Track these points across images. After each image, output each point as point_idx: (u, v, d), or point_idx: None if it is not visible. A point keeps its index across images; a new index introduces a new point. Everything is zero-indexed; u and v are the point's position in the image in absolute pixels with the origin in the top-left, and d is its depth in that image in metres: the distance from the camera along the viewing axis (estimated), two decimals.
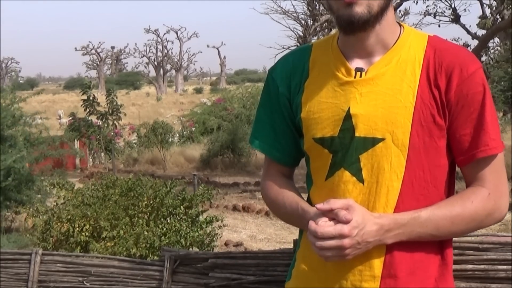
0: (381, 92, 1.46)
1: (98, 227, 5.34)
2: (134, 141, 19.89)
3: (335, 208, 1.37)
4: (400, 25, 1.55)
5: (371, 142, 1.45)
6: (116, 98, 16.64)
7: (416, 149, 1.44)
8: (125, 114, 17.30)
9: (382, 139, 1.44)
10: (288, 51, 1.80)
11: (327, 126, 1.50)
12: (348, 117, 1.47)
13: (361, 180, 1.46)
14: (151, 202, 5.54)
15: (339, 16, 1.44)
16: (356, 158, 1.46)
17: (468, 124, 1.45)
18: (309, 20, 20.32)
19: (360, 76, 1.49)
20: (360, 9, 1.41)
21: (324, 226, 1.37)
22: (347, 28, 1.45)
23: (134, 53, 74.01)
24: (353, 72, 1.50)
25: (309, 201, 1.59)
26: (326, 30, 17.87)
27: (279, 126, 1.61)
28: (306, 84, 1.56)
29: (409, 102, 1.44)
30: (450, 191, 1.52)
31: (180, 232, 5.35)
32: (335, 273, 1.48)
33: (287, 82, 1.59)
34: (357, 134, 1.46)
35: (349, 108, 1.47)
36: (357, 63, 1.50)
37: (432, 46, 1.49)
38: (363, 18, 1.42)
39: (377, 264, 1.45)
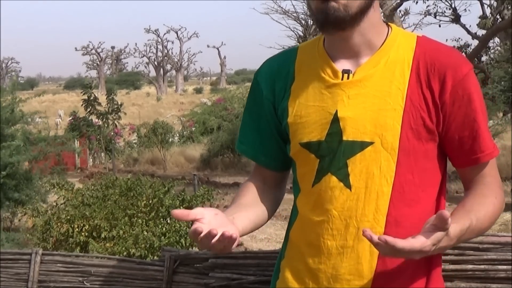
0: (370, 95, 1.42)
1: (97, 227, 5.34)
2: (134, 141, 19.92)
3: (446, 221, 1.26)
4: (388, 25, 1.51)
5: (360, 146, 1.41)
6: (115, 96, 16.62)
7: (406, 152, 1.41)
8: (125, 114, 17.31)
9: (371, 143, 1.41)
10: None
11: (314, 130, 1.45)
12: (335, 120, 1.43)
13: (348, 185, 1.41)
14: (150, 202, 5.54)
15: (316, 12, 1.41)
16: (343, 163, 1.42)
17: (466, 126, 1.43)
18: (309, 20, 20.32)
19: (348, 78, 1.45)
20: (336, 5, 1.38)
21: (412, 241, 1.26)
22: (323, 23, 1.41)
23: (134, 53, 73.88)
24: (340, 74, 1.45)
25: (295, 209, 1.54)
26: None
27: (264, 130, 1.57)
28: (293, 88, 1.51)
29: (398, 105, 1.41)
30: (439, 195, 1.48)
31: (180, 232, 5.35)
32: (323, 284, 1.44)
33: (271, 85, 1.54)
34: (344, 138, 1.42)
35: (336, 111, 1.43)
36: (343, 64, 1.46)
37: (422, 47, 1.45)
38: (338, 13, 1.38)
39: (367, 273, 1.41)
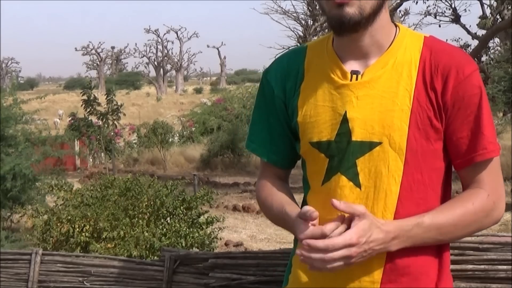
0: (378, 95, 1.45)
1: (98, 227, 5.34)
2: (134, 141, 19.92)
3: (349, 212, 1.34)
4: (396, 26, 1.53)
5: (368, 146, 1.43)
6: (115, 96, 16.59)
7: (414, 152, 1.43)
8: (124, 114, 17.27)
9: (379, 143, 1.43)
10: None
11: (324, 130, 1.48)
12: (344, 121, 1.45)
13: (358, 185, 1.44)
14: (151, 203, 5.54)
15: (331, 16, 1.42)
16: (352, 163, 1.44)
17: (464, 127, 1.44)
18: (309, 20, 20.36)
19: (356, 79, 1.47)
20: (351, 10, 1.39)
21: (333, 238, 1.33)
22: (337, 28, 1.43)
23: (134, 53, 74.01)
24: (349, 75, 1.47)
25: (305, 205, 1.55)
26: (326, 30, 17.88)
27: (274, 129, 1.60)
28: (302, 87, 1.54)
29: (405, 105, 1.43)
30: (447, 194, 1.50)
31: (180, 233, 5.35)
32: (334, 280, 1.46)
33: (282, 84, 1.57)
34: (353, 138, 1.44)
35: (345, 112, 1.45)
36: (352, 65, 1.48)
37: (428, 48, 1.47)
38: (354, 19, 1.40)
39: (377, 270, 1.44)
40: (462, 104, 1.43)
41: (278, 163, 1.63)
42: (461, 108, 1.43)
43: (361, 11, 1.40)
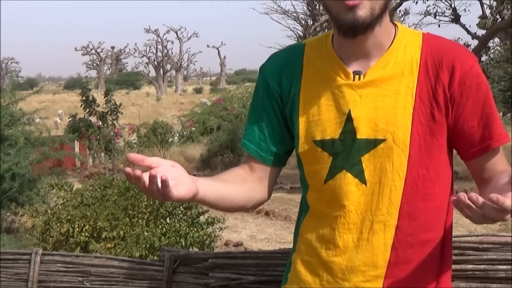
0: (381, 94, 1.46)
1: (97, 227, 5.34)
2: (134, 141, 19.92)
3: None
4: (395, 25, 1.54)
5: (373, 143, 1.45)
6: (113, 96, 16.57)
7: (417, 148, 1.44)
8: (121, 113, 17.26)
9: (384, 140, 1.45)
10: None
11: (328, 128, 1.49)
12: (349, 119, 1.47)
13: (363, 181, 1.46)
14: (151, 202, 5.54)
15: (341, 20, 1.41)
16: (358, 160, 1.46)
17: (475, 116, 1.46)
18: (309, 20, 20.38)
19: (359, 79, 1.48)
20: (363, 12, 1.39)
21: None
22: (349, 32, 1.42)
23: (134, 53, 74.00)
24: (351, 75, 1.48)
25: (305, 204, 1.58)
26: (326, 30, 17.88)
27: (267, 126, 1.59)
28: (302, 85, 1.54)
29: (408, 103, 1.45)
30: (452, 188, 1.52)
31: (180, 233, 5.35)
32: (338, 275, 1.48)
33: (278, 78, 1.57)
34: (358, 136, 1.46)
35: (349, 111, 1.47)
36: (353, 66, 1.49)
37: (428, 44, 1.49)
38: (367, 21, 1.40)
39: (381, 264, 1.46)
40: (470, 93, 1.45)
41: (264, 159, 1.61)
42: (470, 97, 1.45)
43: (372, 12, 1.40)
